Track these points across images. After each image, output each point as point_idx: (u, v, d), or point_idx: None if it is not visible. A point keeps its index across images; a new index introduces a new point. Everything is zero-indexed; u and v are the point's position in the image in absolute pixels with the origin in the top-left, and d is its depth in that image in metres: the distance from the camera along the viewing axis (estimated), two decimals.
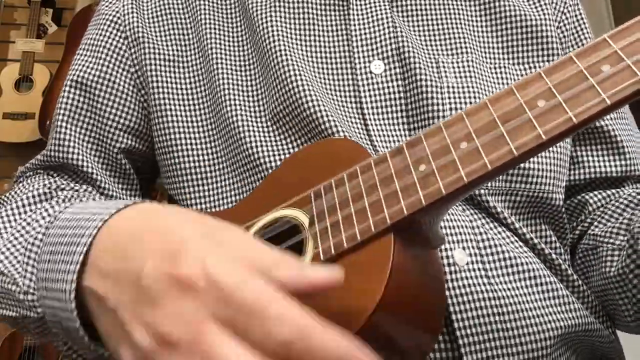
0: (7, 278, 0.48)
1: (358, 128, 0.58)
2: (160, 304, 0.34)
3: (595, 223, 0.63)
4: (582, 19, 0.70)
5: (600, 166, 0.65)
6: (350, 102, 0.60)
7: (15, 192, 0.63)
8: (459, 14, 0.65)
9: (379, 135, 0.58)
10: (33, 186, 0.62)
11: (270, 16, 0.63)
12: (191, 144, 0.63)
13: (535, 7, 0.66)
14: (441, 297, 0.42)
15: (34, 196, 0.59)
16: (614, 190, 0.65)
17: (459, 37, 0.64)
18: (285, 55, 0.60)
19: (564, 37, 0.67)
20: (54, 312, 0.43)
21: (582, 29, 0.70)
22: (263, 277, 0.33)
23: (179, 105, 0.64)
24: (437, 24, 0.65)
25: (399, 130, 0.59)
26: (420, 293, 0.39)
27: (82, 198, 0.60)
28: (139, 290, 0.35)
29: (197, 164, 0.62)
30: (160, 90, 0.64)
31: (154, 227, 0.38)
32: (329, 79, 0.60)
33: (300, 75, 0.58)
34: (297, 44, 0.61)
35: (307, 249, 0.42)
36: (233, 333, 0.31)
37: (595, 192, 0.66)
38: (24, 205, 0.58)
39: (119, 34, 0.67)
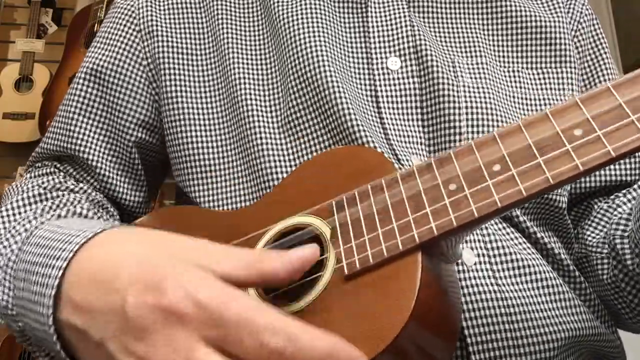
0: None
1: (374, 123, 0.59)
2: (150, 335, 0.34)
3: (591, 230, 0.64)
4: (599, 31, 0.71)
5: (607, 173, 0.66)
6: (367, 97, 0.60)
7: (18, 186, 0.63)
8: (473, 17, 0.66)
9: (395, 130, 0.58)
10: (31, 184, 0.62)
11: (291, 11, 0.63)
12: (202, 137, 0.63)
13: (550, 12, 0.67)
14: (459, 309, 0.42)
15: (28, 197, 0.60)
16: (616, 194, 0.66)
17: (473, 40, 0.64)
18: (307, 46, 0.60)
19: (580, 46, 0.68)
20: (34, 332, 0.43)
21: (600, 43, 0.70)
22: (243, 285, 0.35)
23: (191, 98, 0.64)
24: (452, 26, 0.65)
25: (414, 126, 0.59)
26: (442, 307, 0.39)
27: (71, 206, 0.59)
28: (125, 322, 0.35)
29: (207, 156, 0.62)
30: (173, 83, 0.64)
31: (129, 255, 0.38)
32: (346, 75, 0.61)
33: (327, 68, 0.58)
34: (316, 39, 0.61)
35: (328, 261, 0.41)
36: (225, 352, 0.33)
37: (601, 199, 0.66)
38: (18, 207, 0.59)
39: (132, 27, 0.67)
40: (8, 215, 0.58)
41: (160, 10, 0.67)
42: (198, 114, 0.64)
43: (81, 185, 0.65)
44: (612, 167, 0.66)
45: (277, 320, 0.33)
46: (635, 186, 0.65)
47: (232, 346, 0.33)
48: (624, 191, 0.66)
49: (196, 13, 0.68)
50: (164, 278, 0.35)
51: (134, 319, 0.34)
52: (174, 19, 0.67)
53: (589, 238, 0.63)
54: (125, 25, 0.67)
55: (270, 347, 0.32)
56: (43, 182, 0.63)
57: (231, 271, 0.36)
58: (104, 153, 0.66)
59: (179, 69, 0.65)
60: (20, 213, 0.58)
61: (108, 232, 0.42)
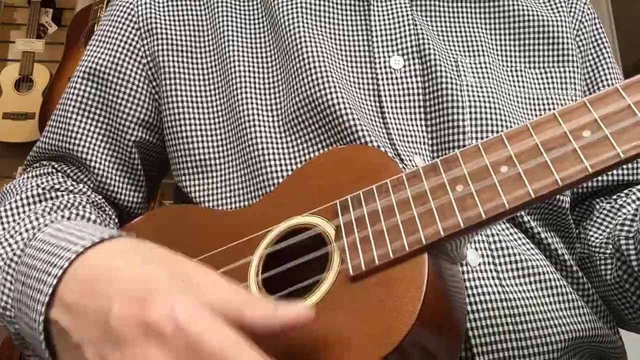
0: None
1: (376, 122, 0.59)
2: (126, 346, 0.34)
3: (594, 230, 0.64)
4: (601, 31, 0.71)
5: (609, 173, 0.66)
6: (369, 97, 0.60)
7: (14, 187, 0.63)
8: (476, 16, 0.66)
9: (397, 130, 0.58)
10: (30, 184, 0.62)
11: (293, 11, 0.63)
12: (202, 136, 0.62)
13: (553, 12, 0.67)
14: (464, 310, 0.42)
15: (27, 197, 0.59)
16: (618, 194, 0.66)
17: (476, 39, 0.64)
18: (309, 48, 0.60)
19: (582, 45, 0.68)
20: (27, 335, 0.44)
21: (602, 42, 0.70)
22: (231, 322, 0.34)
23: (191, 96, 0.64)
24: (455, 25, 0.65)
25: (417, 125, 0.59)
26: (448, 308, 0.39)
27: (71, 208, 0.59)
28: (106, 330, 0.35)
29: (206, 156, 0.62)
30: (172, 81, 0.64)
31: (124, 267, 0.39)
32: (348, 73, 0.60)
33: (323, 67, 0.58)
34: (319, 38, 0.61)
35: (333, 263, 0.41)
36: None
37: (602, 198, 0.66)
38: (17, 207, 0.58)
39: (131, 24, 0.66)
40: (7, 216, 0.57)
41: (159, 8, 0.67)
42: (197, 112, 0.63)
43: (80, 186, 0.64)
44: None
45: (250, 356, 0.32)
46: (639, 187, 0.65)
47: None
48: (625, 191, 0.65)
49: (196, 11, 0.68)
50: (154, 293, 0.35)
51: (116, 327, 0.35)
52: (174, 16, 0.67)
53: (592, 238, 0.63)
54: (124, 24, 0.67)
55: None
56: (42, 182, 0.62)
57: (222, 307, 0.35)
58: (102, 153, 0.65)
59: (179, 67, 0.65)
60: (19, 213, 0.58)
61: (109, 242, 0.42)
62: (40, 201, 0.60)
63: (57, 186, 0.63)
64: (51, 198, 0.60)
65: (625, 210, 0.62)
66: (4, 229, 0.56)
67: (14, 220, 0.57)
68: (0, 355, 1.99)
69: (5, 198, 0.62)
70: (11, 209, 0.58)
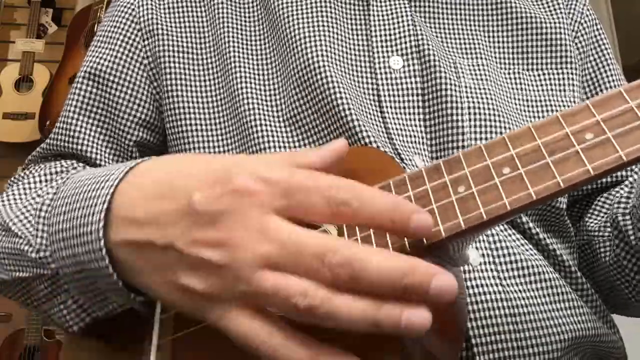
0: (21, 239, 0.48)
1: (376, 122, 0.59)
2: (221, 219, 0.34)
3: (593, 217, 0.65)
4: (601, 32, 0.71)
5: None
6: (369, 97, 0.60)
7: (29, 171, 0.63)
8: (474, 18, 0.66)
9: (397, 130, 0.58)
10: (47, 167, 0.62)
11: (293, 10, 0.63)
12: (203, 136, 0.63)
13: (551, 14, 0.67)
14: (465, 311, 0.42)
15: (50, 173, 0.59)
16: (614, 188, 0.66)
17: (474, 41, 0.64)
18: (309, 47, 0.60)
19: (582, 47, 0.68)
20: (73, 265, 0.43)
21: (602, 43, 0.70)
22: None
23: (192, 96, 0.64)
24: (453, 27, 0.65)
25: (417, 125, 0.59)
26: (448, 308, 0.39)
27: None
28: (196, 217, 0.35)
29: None
30: (174, 81, 0.64)
31: (182, 167, 0.39)
32: (348, 73, 0.61)
33: (324, 67, 0.58)
34: (318, 38, 0.61)
35: None
36: (297, 219, 0.34)
37: (599, 196, 0.67)
38: (40, 182, 0.58)
39: (133, 25, 0.67)
40: (30, 187, 0.57)
41: (160, 8, 0.67)
42: (199, 112, 0.63)
43: None
44: None
45: (340, 180, 0.35)
46: (635, 170, 0.66)
47: (302, 209, 0.34)
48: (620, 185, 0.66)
49: (197, 11, 0.68)
50: (227, 173, 0.36)
51: (205, 209, 0.35)
52: (175, 17, 0.67)
53: (591, 225, 0.64)
54: (125, 24, 0.67)
55: (338, 200, 0.34)
56: (56, 165, 0.63)
57: (287, 160, 0.38)
58: (106, 152, 0.66)
59: (180, 68, 0.65)
60: (40, 182, 0.57)
61: (153, 159, 0.42)
62: (59, 173, 0.60)
63: (75, 166, 0.63)
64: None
65: (622, 191, 0.63)
66: (25, 195, 0.54)
67: (41, 184, 0.56)
68: (0, 355, 1.99)
69: (19, 181, 0.62)
70: (34, 182, 0.58)
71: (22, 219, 0.49)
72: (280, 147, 0.58)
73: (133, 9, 0.67)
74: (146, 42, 0.66)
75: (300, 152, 0.38)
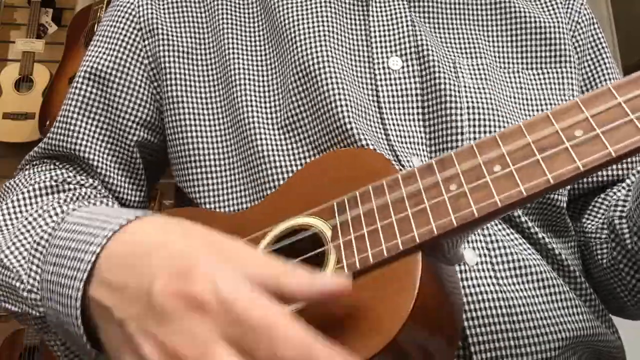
0: (12, 273, 0.49)
1: (375, 123, 0.59)
2: (170, 321, 0.34)
3: (590, 219, 0.65)
4: (598, 31, 0.71)
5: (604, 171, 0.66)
6: (368, 97, 0.60)
7: (20, 181, 0.63)
8: (473, 18, 0.66)
9: (396, 131, 0.58)
10: (39, 177, 0.62)
11: (293, 11, 0.63)
12: (202, 136, 0.63)
13: (549, 13, 0.67)
14: (460, 309, 0.42)
15: (40, 188, 0.59)
16: (611, 188, 0.66)
17: (473, 41, 0.64)
18: (308, 49, 0.60)
19: (579, 46, 0.68)
20: (57, 315, 0.43)
21: (600, 42, 0.70)
22: (271, 292, 0.34)
23: (192, 97, 0.64)
24: (453, 27, 0.65)
25: (416, 126, 0.59)
26: (443, 307, 0.39)
27: (89, 199, 0.60)
28: (149, 305, 0.35)
29: (207, 157, 0.62)
30: (174, 81, 0.64)
31: (163, 243, 0.39)
32: (347, 74, 0.61)
33: (323, 69, 0.59)
34: (318, 39, 0.61)
35: (329, 261, 0.41)
36: (240, 352, 0.32)
37: (597, 195, 0.67)
38: (30, 197, 0.58)
39: (133, 24, 0.66)
40: (23, 205, 0.57)
41: (160, 8, 0.67)
42: (198, 113, 0.63)
43: (90, 181, 0.65)
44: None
45: (296, 332, 0.32)
46: (633, 172, 0.66)
47: (247, 349, 0.33)
48: (617, 186, 0.66)
49: (197, 11, 0.68)
50: (194, 268, 0.35)
51: (159, 303, 0.35)
52: (175, 17, 0.67)
53: (588, 226, 0.64)
54: (125, 24, 0.67)
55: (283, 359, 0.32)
56: (52, 175, 0.63)
57: (262, 278, 0.36)
58: (104, 153, 0.65)
59: (180, 68, 0.65)
60: (37, 202, 0.58)
61: (145, 219, 0.42)
62: (56, 192, 0.60)
63: (68, 179, 0.63)
64: (64, 190, 0.60)
65: (619, 194, 0.63)
66: (17, 219, 0.55)
67: (32, 208, 0.56)
68: (1, 355, 1.99)
69: (12, 190, 0.62)
70: (24, 198, 0.58)
71: (13, 250, 0.50)
72: (276, 153, 0.58)
73: (133, 9, 0.67)
74: (146, 42, 0.66)
75: (294, 272, 0.36)
